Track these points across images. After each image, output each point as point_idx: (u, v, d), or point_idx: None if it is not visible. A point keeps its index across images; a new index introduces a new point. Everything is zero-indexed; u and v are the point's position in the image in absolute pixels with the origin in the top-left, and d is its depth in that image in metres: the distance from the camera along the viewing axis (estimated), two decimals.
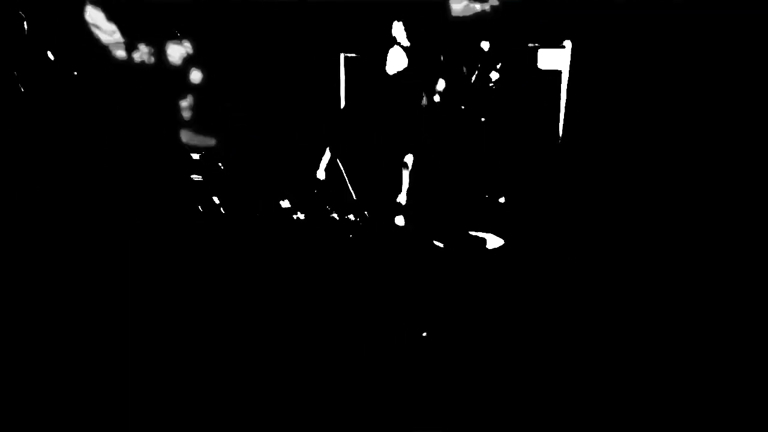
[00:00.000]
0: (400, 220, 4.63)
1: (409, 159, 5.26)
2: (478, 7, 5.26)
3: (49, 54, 3.82)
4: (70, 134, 3.86)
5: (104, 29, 4.53)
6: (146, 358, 2.45)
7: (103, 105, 4.14)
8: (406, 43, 5.29)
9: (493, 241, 4.18)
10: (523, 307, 3.08)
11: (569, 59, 5.13)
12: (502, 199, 4.54)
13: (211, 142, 4.94)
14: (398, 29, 5.13)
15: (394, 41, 5.30)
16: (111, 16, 4.53)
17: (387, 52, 5.27)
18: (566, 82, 5.05)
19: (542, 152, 4.94)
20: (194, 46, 5.04)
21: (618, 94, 4.77)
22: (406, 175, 5.25)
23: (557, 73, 5.16)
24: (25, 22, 3.69)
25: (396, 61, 5.06)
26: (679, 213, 4.13)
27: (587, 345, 2.62)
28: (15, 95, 3.63)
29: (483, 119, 5.16)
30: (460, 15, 5.28)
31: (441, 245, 4.09)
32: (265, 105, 5.37)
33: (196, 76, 5.07)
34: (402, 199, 4.85)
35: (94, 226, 3.74)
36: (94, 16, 4.45)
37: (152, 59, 4.78)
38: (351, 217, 4.45)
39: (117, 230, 3.81)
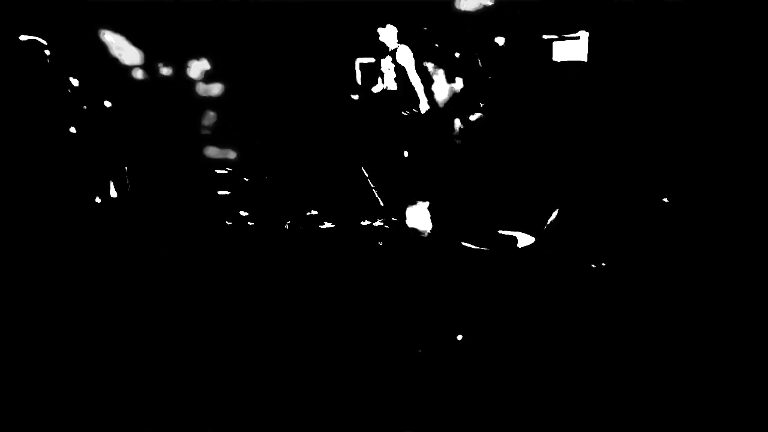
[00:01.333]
0: (424, 224, 4.63)
1: (426, 164, 5.27)
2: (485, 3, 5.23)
3: (72, 80, 3.86)
4: (93, 155, 3.90)
5: (124, 50, 4.57)
6: (151, 360, 2.48)
7: (124, 124, 4.18)
8: (410, 46, 5.29)
9: (520, 240, 4.17)
10: (532, 310, 3.08)
11: (584, 51, 5.09)
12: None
13: (233, 155, 4.98)
14: (398, 31, 5.12)
15: (399, 42, 5.29)
16: (130, 38, 4.57)
17: (396, 53, 5.28)
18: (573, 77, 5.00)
19: (555, 149, 4.92)
20: (210, 62, 5.07)
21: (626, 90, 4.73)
22: (423, 178, 5.26)
23: (567, 66, 5.11)
24: (47, 50, 3.73)
25: (404, 62, 5.05)
26: (679, 211, 4.10)
27: (591, 346, 2.62)
28: (39, 119, 3.68)
29: (491, 116, 5.14)
30: (468, 11, 5.25)
31: (466, 247, 4.09)
32: (281, 115, 5.40)
33: (214, 90, 5.11)
34: (425, 202, 4.85)
35: (117, 242, 3.78)
36: (113, 38, 4.50)
37: (171, 76, 4.81)
38: (379, 223, 4.46)
39: (142, 246, 3.85)
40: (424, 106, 5.15)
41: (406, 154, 5.24)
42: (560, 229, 4.11)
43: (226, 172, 4.75)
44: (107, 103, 3.99)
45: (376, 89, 5.48)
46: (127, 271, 3.59)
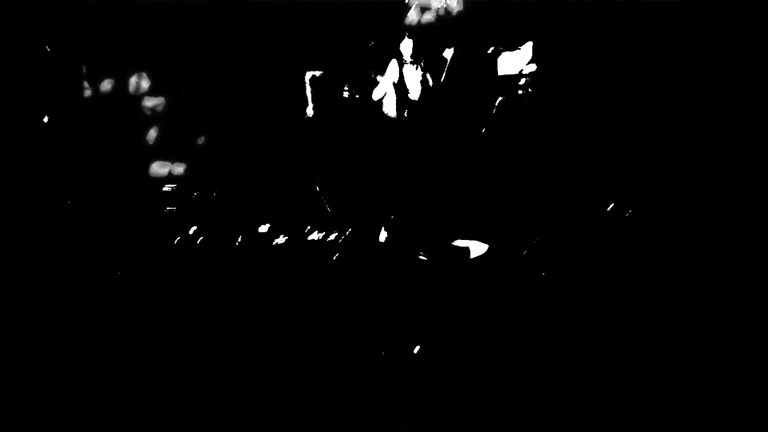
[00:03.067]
0: (378, 235, 4.62)
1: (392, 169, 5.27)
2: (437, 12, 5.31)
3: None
4: (33, 170, 3.73)
5: (65, 65, 4.40)
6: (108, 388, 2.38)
7: (65, 140, 4.02)
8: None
9: (473, 250, 4.21)
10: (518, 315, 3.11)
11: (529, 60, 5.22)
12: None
13: (180, 170, 4.85)
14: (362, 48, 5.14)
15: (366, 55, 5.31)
16: (71, 53, 4.41)
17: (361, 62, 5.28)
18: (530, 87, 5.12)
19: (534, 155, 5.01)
20: (151, 75, 4.95)
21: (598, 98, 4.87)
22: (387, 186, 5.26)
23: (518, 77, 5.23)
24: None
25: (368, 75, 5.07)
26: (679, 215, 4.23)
27: (589, 351, 2.65)
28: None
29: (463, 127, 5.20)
30: (419, 21, 5.32)
31: (422, 259, 4.09)
32: (238, 124, 5.31)
33: (158, 104, 4.98)
34: (378, 213, 4.83)
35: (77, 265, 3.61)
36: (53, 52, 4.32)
37: (112, 91, 4.66)
38: (333, 236, 4.41)
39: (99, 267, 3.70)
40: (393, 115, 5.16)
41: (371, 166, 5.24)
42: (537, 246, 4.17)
43: (171, 188, 4.62)
44: (44, 119, 3.82)
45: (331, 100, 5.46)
46: (83, 294, 3.45)
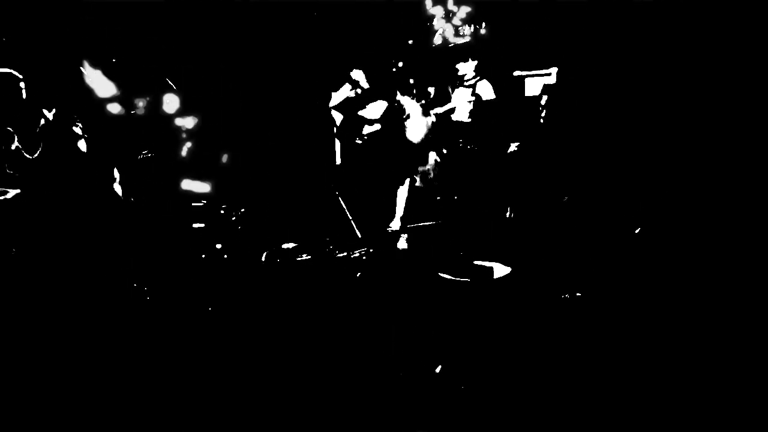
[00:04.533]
0: (402, 254, 4.65)
1: (402, 190, 5.32)
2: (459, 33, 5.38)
3: (47, 113, 3.84)
4: (72, 189, 3.86)
5: (101, 84, 4.56)
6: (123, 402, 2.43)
7: (102, 159, 4.15)
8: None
9: (496, 271, 4.21)
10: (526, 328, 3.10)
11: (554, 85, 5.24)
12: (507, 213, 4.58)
13: (208, 188, 4.96)
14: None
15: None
16: (108, 72, 4.57)
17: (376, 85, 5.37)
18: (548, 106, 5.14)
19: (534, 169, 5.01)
20: (182, 94, 5.09)
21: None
22: (401, 203, 5.30)
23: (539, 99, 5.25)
24: (22, 83, 3.71)
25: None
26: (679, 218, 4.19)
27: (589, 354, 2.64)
28: (13, 152, 3.64)
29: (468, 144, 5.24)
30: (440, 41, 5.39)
31: (444, 278, 4.11)
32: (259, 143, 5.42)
33: (190, 123, 5.12)
34: (403, 234, 4.87)
35: (98, 280, 3.71)
36: (91, 72, 4.49)
37: (148, 110, 4.81)
38: (356, 254, 4.46)
39: (122, 283, 3.79)
40: (416, 139, 5.24)
41: (399, 187, 5.31)
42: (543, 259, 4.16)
43: (201, 204, 4.73)
44: (81, 137, 3.96)
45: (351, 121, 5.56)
46: (108, 309, 3.53)
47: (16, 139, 3.65)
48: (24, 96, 3.69)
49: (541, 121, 5.08)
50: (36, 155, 3.73)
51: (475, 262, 4.29)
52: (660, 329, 3.03)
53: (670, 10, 4.72)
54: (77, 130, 3.87)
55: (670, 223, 4.26)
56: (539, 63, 5.44)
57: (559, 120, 4.94)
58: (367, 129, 5.78)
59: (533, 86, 5.49)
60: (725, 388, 2.45)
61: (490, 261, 4.29)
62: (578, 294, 3.51)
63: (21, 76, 3.70)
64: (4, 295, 3.34)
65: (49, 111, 3.83)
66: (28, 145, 3.71)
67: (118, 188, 3.99)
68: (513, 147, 5.17)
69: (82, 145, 3.90)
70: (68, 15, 4.45)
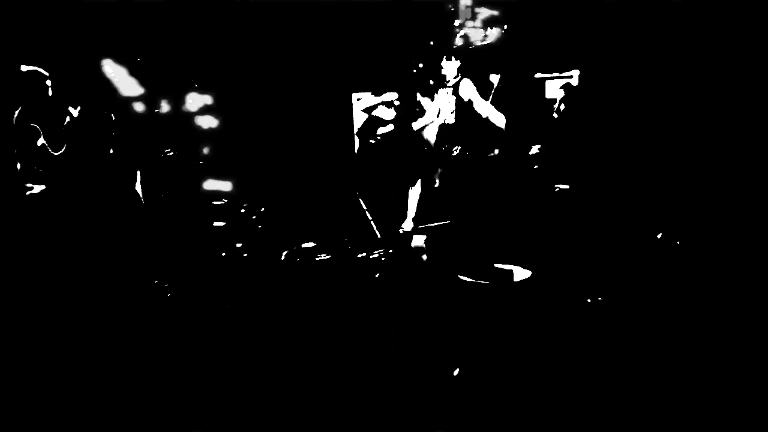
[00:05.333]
0: (421, 256, 4.63)
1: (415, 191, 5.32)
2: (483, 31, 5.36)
3: (72, 110, 3.88)
4: (93, 189, 3.89)
5: (124, 82, 4.61)
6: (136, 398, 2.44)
7: (124, 156, 4.18)
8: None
9: (516, 274, 4.18)
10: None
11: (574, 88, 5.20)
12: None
13: (229, 187, 4.99)
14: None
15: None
16: (131, 71, 4.62)
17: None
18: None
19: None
20: (206, 94, 5.13)
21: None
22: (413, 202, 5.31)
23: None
24: (48, 81, 3.75)
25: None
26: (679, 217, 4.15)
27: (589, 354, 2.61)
28: (39, 149, 3.67)
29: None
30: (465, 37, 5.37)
31: (463, 280, 4.09)
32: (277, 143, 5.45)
33: (212, 123, 5.15)
34: (422, 235, 4.86)
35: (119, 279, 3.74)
36: (114, 70, 4.54)
37: (170, 109, 4.85)
38: (376, 255, 4.45)
39: (141, 279, 3.82)
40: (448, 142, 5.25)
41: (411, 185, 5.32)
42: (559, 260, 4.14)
43: (222, 203, 4.76)
44: (106, 133, 3.99)
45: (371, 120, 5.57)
46: (128, 305, 3.56)
47: (42, 136, 3.68)
48: (50, 94, 3.73)
49: (559, 121, 5.05)
50: (61, 152, 3.77)
51: (496, 265, 4.27)
52: (678, 332, 3.00)
53: (696, 11, 4.67)
54: (102, 127, 3.90)
55: (691, 226, 4.22)
56: (559, 65, 5.42)
57: (578, 121, 4.91)
58: (385, 129, 5.79)
59: (553, 88, 5.46)
60: (742, 391, 2.42)
61: (509, 264, 4.26)
62: (599, 298, 3.48)
63: (47, 74, 3.73)
64: (27, 288, 3.38)
65: (75, 109, 3.86)
66: (53, 142, 3.74)
67: (139, 186, 4.01)
68: (535, 149, 5.14)
69: (105, 142, 3.93)
70: (68, 15, 4.51)
